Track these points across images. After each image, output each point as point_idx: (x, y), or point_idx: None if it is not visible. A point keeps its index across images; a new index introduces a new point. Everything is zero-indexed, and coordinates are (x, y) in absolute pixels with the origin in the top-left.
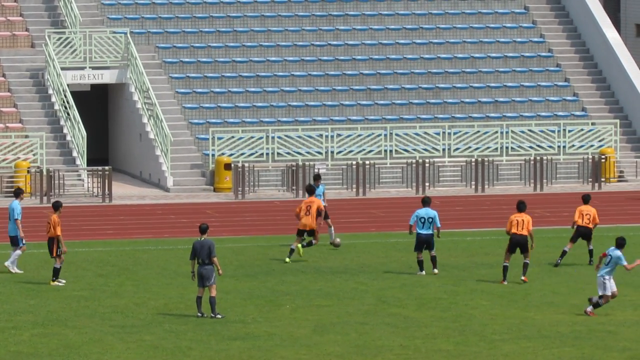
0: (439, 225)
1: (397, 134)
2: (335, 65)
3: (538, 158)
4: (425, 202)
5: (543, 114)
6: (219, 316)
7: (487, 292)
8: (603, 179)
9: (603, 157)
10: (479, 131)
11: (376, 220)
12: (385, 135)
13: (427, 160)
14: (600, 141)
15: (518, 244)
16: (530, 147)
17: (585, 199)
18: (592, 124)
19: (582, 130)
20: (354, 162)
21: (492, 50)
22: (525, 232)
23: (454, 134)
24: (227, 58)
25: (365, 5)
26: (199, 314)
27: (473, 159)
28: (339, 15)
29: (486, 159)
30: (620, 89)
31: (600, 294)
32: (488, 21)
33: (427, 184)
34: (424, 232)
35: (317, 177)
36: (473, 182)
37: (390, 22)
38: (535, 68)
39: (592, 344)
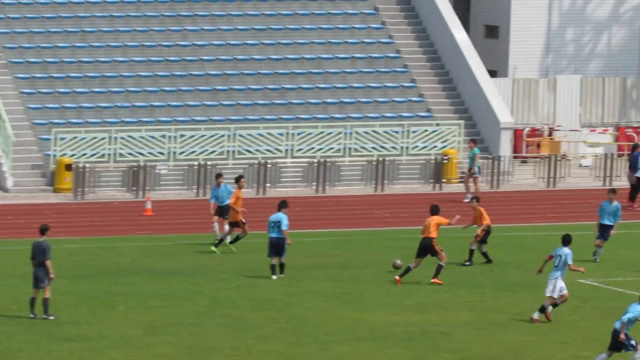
0: (284, 228)
1: (240, 135)
2: (182, 65)
3: (380, 159)
4: (281, 206)
5: (388, 114)
6: (51, 317)
7: (322, 293)
8: (444, 180)
9: (445, 158)
10: (322, 132)
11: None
12: (229, 135)
13: (269, 161)
14: (444, 142)
15: (422, 246)
16: (374, 148)
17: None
18: (437, 124)
19: (425, 131)
20: (196, 163)
21: (340, 52)
22: (431, 235)
23: (298, 134)
24: (74, 58)
25: (215, 6)
26: (31, 315)
27: (315, 160)
28: (187, 16)
29: (328, 159)
30: (467, 89)
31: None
32: (337, 22)
33: (267, 184)
34: (273, 235)
35: (219, 175)
36: (314, 183)
37: (239, 23)
38: (382, 69)
39: (424, 345)
